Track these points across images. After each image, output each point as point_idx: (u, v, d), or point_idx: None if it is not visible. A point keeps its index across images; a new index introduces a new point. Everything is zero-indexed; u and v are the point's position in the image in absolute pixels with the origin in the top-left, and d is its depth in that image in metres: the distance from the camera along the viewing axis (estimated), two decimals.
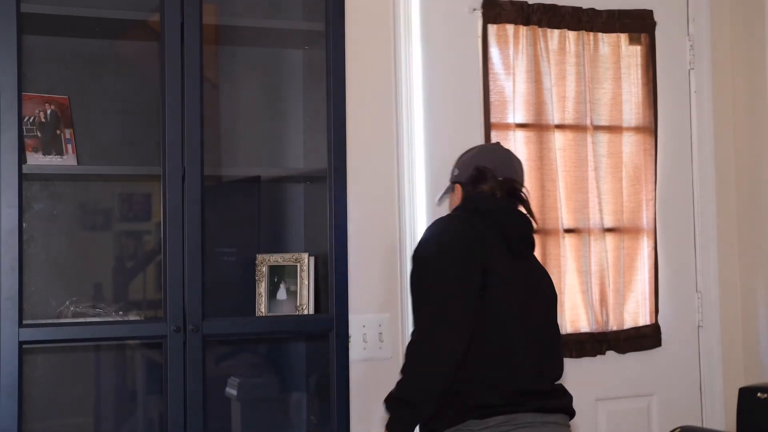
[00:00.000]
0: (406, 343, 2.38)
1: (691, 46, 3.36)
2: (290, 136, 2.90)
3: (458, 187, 2.53)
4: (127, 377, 2.78)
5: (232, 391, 2.73)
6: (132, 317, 2.52)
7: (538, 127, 3.11)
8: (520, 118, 3.10)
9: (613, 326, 3.21)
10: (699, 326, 3.34)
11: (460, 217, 2.45)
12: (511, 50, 3.09)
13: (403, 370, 2.31)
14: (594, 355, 3.18)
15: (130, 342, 2.64)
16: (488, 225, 2.38)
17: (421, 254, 2.39)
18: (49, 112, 2.52)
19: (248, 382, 2.74)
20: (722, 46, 3.41)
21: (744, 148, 3.37)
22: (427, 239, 2.42)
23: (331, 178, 2.57)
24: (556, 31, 3.16)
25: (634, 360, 3.25)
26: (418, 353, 2.30)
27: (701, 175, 3.36)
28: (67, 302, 2.51)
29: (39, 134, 2.48)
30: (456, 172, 2.56)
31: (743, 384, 2.95)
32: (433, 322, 2.27)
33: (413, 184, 2.98)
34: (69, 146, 2.52)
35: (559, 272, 3.09)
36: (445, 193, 2.63)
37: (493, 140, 3.00)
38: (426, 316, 2.30)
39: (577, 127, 3.18)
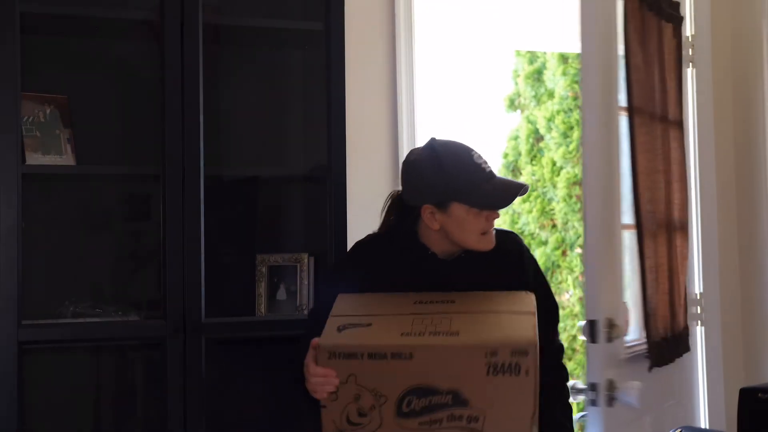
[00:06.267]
0: None
1: (692, 43, 3.35)
2: (290, 136, 2.89)
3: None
4: (126, 377, 2.77)
5: (233, 391, 2.73)
6: (132, 317, 2.51)
7: None
8: None
9: None
10: (699, 326, 3.33)
11: None
12: None
13: None
14: None
15: (130, 342, 2.63)
16: None
17: None
18: (48, 111, 2.52)
19: (249, 381, 2.74)
20: (723, 43, 3.40)
21: (744, 146, 3.36)
22: None
23: (330, 178, 2.57)
24: None
25: None
26: None
27: (702, 175, 3.35)
28: (67, 302, 2.50)
29: (38, 134, 2.48)
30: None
31: (744, 384, 2.94)
32: None
33: None
34: (68, 146, 2.52)
35: None
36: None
37: None
38: None
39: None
